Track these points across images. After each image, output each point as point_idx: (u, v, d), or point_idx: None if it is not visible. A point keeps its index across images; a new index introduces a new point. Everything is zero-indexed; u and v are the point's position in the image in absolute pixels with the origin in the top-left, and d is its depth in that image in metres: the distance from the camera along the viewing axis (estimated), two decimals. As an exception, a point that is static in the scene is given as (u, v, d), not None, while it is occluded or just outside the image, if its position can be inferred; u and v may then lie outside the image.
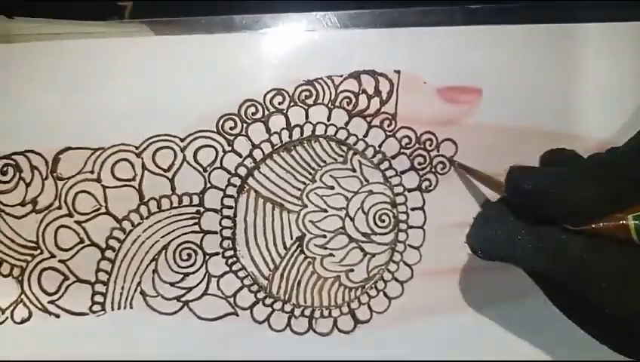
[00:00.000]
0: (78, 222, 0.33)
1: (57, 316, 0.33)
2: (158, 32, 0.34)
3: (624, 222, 0.25)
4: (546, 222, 0.27)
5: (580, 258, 0.26)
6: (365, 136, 0.35)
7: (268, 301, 0.35)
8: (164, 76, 0.33)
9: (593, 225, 0.26)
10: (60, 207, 0.33)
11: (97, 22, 0.35)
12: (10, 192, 0.33)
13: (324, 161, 0.35)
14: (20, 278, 0.33)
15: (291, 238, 0.35)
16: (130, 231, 0.33)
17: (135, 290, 0.34)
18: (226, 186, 0.34)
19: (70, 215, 0.33)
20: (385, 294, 0.35)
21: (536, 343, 0.36)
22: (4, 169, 0.33)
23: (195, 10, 0.34)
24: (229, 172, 0.34)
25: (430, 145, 0.35)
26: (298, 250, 0.35)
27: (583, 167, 0.28)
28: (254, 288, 0.34)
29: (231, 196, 0.34)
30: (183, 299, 0.34)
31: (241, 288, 0.34)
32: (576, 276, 0.26)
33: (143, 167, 0.33)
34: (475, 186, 0.35)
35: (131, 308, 0.34)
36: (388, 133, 0.35)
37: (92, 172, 0.33)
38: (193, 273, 0.34)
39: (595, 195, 0.25)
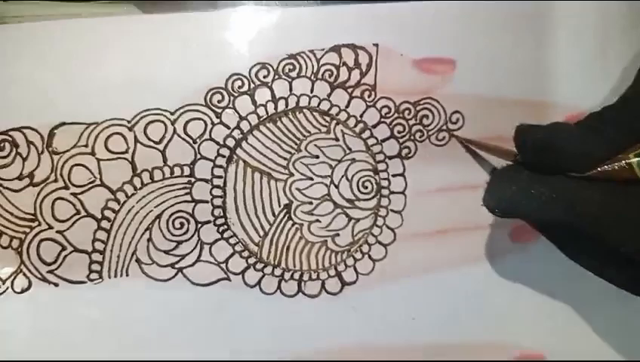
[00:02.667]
0: (74, 194, 0.34)
1: (56, 284, 0.34)
2: (146, 11, 0.35)
3: (627, 161, 0.27)
4: (557, 174, 0.29)
5: (593, 201, 0.28)
6: (347, 106, 0.37)
7: (259, 266, 0.36)
8: (153, 53, 0.35)
9: (599, 168, 0.28)
10: (56, 180, 0.34)
11: (87, 2, 0.36)
12: (7, 167, 0.34)
13: (309, 131, 0.36)
14: (19, 249, 0.34)
15: (279, 206, 0.36)
16: (125, 201, 0.35)
17: (131, 258, 0.35)
18: (216, 157, 0.35)
19: (66, 187, 0.34)
20: (369, 257, 0.37)
21: (515, 303, 0.38)
22: (1, 145, 0.34)
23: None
24: (217, 143, 0.35)
25: (408, 114, 0.37)
26: (286, 217, 0.36)
27: (584, 122, 0.30)
28: (245, 254, 0.36)
29: (220, 166, 0.36)
30: (177, 265, 0.35)
31: (232, 254, 0.36)
32: (591, 219, 0.28)
33: (136, 140, 0.35)
34: (467, 156, 0.37)
35: (127, 275, 0.35)
36: (368, 104, 0.37)
37: (86, 146, 0.34)
38: (186, 241, 0.35)
39: (598, 141, 0.28)
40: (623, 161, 0.28)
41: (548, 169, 0.30)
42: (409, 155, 0.37)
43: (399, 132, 0.37)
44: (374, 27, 0.36)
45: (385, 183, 0.37)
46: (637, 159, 0.27)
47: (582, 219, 0.28)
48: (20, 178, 0.34)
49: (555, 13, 0.38)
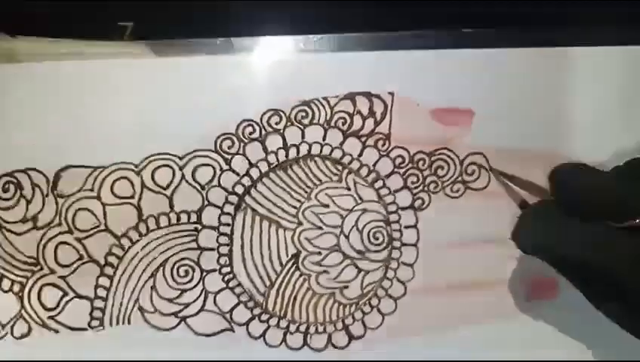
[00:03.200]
0: (78, 239, 0.34)
1: (56, 331, 0.34)
2: (159, 53, 0.35)
3: None
4: (592, 220, 0.28)
5: (631, 252, 0.27)
6: (360, 155, 0.36)
7: (264, 317, 0.35)
8: (163, 96, 0.34)
9: (637, 220, 0.27)
10: (60, 224, 0.34)
11: (98, 41, 0.36)
12: (11, 209, 0.33)
13: (320, 180, 0.35)
14: (20, 294, 0.34)
15: (287, 255, 0.35)
16: (129, 247, 0.34)
17: (133, 306, 0.34)
18: (224, 204, 0.35)
19: (70, 232, 0.34)
20: (378, 310, 0.36)
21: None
22: (6, 186, 0.33)
23: (194, 32, 0.35)
24: (226, 190, 0.35)
25: (423, 165, 0.36)
26: (294, 267, 0.35)
27: (624, 168, 0.29)
28: (250, 304, 0.35)
29: (228, 214, 0.35)
30: (180, 314, 0.35)
31: (237, 304, 0.35)
32: (628, 268, 0.27)
33: (142, 184, 0.34)
34: (470, 206, 0.36)
35: (129, 323, 0.34)
36: (382, 153, 0.36)
37: (92, 190, 0.34)
38: (190, 289, 0.35)
39: (635, 191, 0.27)
40: None
41: (581, 213, 0.29)
42: (422, 207, 0.36)
43: (413, 182, 0.36)
44: (390, 75, 0.36)
45: (397, 235, 0.36)
46: None
47: (618, 268, 0.27)
48: (23, 221, 0.33)
49: (578, 59, 0.37)
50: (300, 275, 0.35)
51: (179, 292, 0.35)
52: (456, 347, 0.36)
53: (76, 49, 0.35)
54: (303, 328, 0.35)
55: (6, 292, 0.34)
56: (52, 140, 0.34)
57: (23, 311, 0.34)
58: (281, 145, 0.35)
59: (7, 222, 0.33)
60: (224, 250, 0.35)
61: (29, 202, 0.33)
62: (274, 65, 0.35)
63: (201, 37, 0.35)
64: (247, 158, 0.35)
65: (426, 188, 0.36)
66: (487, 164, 0.36)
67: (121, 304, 0.34)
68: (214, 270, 0.35)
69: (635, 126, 0.37)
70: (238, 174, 0.35)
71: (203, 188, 0.34)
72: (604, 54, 0.37)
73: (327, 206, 0.35)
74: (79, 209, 0.34)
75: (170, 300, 0.34)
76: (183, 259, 0.35)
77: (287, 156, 0.35)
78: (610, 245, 0.28)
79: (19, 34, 0.34)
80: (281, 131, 0.35)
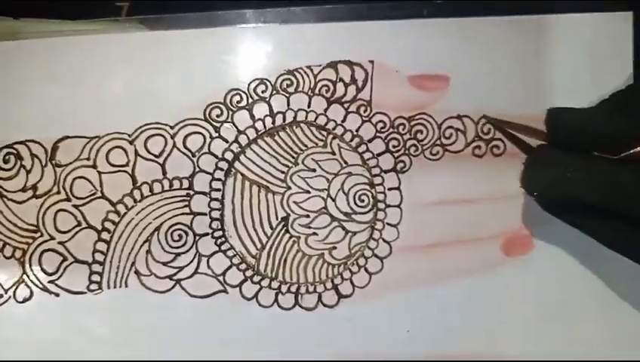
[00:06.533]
0: (76, 206, 0.35)
1: (57, 295, 0.35)
2: (150, 26, 0.36)
3: None
4: (589, 154, 0.31)
5: (629, 182, 0.29)
6: (343, 121, 0.37)
7: (256, 278, 0.37)
8: (155, 69, 0.36)
9: (631, 151, 0.28)
10: (58, 192, 0.35)
11: (95, 20, 0.37)
12: (11, 179, 0.35)
13: (306, 145, 0.37)
14: (22, 260, 0.35)
15: (277, 218, 0.37)
16: (125, 213, 0.36)
17: (130, 270, 0.36)
18: (214, 170, 0.36)
19: (68, 199, 0.35)
20: (366, 270, 0.37)
21: (511, 315, 0.38)
22: (7, 157, 0.35)
23: (187, 8, 0.37)
24: (216, 157, 0.36)
25: (403, 130, 0.38)
26: (283, 230, 0.37)
27: (614, 102, 0.32)
28: (243, 266, 0.36)
29: (219, 179, 0.36)
30: (175, 277, 0.36)
31: (230, 267, 0.36)
32: (627, 199, 0.29)
33: (136, 153, 0.36)
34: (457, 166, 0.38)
35: (126, 286, 0.36)
36: (364, 119, 0.37)
37: (88, 159, 0.35)
38: (184, 253, 0.36)
39: (628, 122, 0.29)
40: None
41: (580, 150, 0.31)
42: (404, 169, 0.38)
43: (394, 146, 0.38)
44: (370, 44, 0.37)
45: (381, 197, 0.38)
46: None
47: (622, 201, 0.29)
48: (23, 190, 0.35)
49: (552, 27, 0.38)
50: (290, 238, 0.37)
51: (173, 256, 0.36)
52: (440, 301, 0.37)
53: (71, 27, 0.36)
54: (294, 288, 0.37)
55: (8, 258, 0.35)
56: (50, 113, 0.35)
57: (24, 276, 0.35)
58: (268, 113, 0.37)
59: (9, 191, 0.35)
60: (216, 214, 0.36)
61: (28, 172, 0.35)
62: (259, 36, 0.37)
63: (191, 12, 0.37)
64: (235, 126, 0.36)
65: (407, 152, 0.38)
66: (476, 119, 0.38)
67: (118, 268, 0.36)
68: (207, 234, 0.36)
69: (605, 88, 0.39)
70: (227, 141, 0.36)
71: (194, 155, 0.36)
72: (575, 21, 0.38)
73: (313, 170, 0.37)
74: (76, 177, 0.35)
75: (164, 263, 0.36)
76: (176, 223, 0.36)
77: (273, 123, 0.37)
78: (609, 176, 0.30)
79: (22, 16, 0.36)
80: (268, 99, 0.37)
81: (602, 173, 0.30)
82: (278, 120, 0.37)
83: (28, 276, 0.35)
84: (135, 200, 0.36)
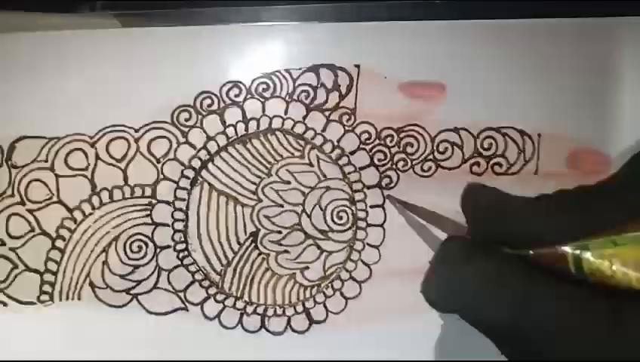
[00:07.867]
0: (30, 211, 0.33)
1: (5, 304, 0.33)
2: (125, 25, 0.34)
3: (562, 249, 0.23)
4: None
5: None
6: (323, 130, 0.34)
7: (219, 297, 0.34)
8: (121, 67, 0.34)
9: (532, 251, 0.23)
10: (12, 195, 0.33)
11: (67, 14, 0.35)
12: (-36, 179, 0.33)
13: (281, 155, 0.34)
14: (-30, 265, 0.33)
15: (245, 233, 0.34)
16: (82, 221, 0.33)
17: (84, 281, 0.33)
18: (179, 178, 0.34)
19: (22, 203, 0.33)
20: (341, 294, 0.34)
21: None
22: (-40, 156, 0.33)
23: (164, 5, 0.35)
24: (182, 164, 0.34)
25: (391, 142, 0.34)
26: (252, 246, 0.34)
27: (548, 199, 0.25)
28: (206, 283, 0.34)
29: (184, 188, 0.34)
30: (132, 291, 0.33)
31: (192, 283, 0.34)
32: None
33: (97, 156, 0.33)
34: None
35: (79, 299, 0.33)
36: (347, 128, 0.34)
37: (46, 161, 0.33)
38: (143, 265, 0.33)
39: (555, 222, 0.23)
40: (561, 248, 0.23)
41: (492, 238, 0.24)
42: (390, 185, 0.34)
43: (380, 160, 0.34)
44: (356, 47, 0.34)
45: (362, 214, 0.34)
46: (574, 251, 0.22)
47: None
48: (-24, 191, 0.33)
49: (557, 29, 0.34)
50: (259, 254, 0.34)
51: (131, 268, 0.33)
52: (423, 334, 0.34)
53: (46, 21, 0.34)
54: (260, 310, 0.34)
55: (-44, 263, 0.33)
56: (7, 111, 0.33)
57: (-28, 283, 0.33)
58: (241, 119, 0.34)
59: (-40, 192, 0.33)
60: (179, 225, 0.34)
61: (-18, 172, 0.33)
62: (235, 36, 0.34)
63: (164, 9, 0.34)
64: (204, 131, 0.34)
65: (394, 166, 0.34)
66: (475, 133, 0.34)
67: (71, 279, 0.33)
68: (168, 246, 0.34)
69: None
70: (195, 147, 0.34)
71: (158, 161, 0.34)
72: (576, 26, 0.35)
73: (288, 182, 0.34)
74: (32, 180, 0.33)
75: (122, 276, 0.33)
76: (136, 234, 0.34)
77: (246, 130, 0.34)
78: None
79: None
80: (241, 104, 0.34)
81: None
82: (252, 126, 0.34)
83: (-24, 283, 0.33)
84: (93, 207, 0.33)
